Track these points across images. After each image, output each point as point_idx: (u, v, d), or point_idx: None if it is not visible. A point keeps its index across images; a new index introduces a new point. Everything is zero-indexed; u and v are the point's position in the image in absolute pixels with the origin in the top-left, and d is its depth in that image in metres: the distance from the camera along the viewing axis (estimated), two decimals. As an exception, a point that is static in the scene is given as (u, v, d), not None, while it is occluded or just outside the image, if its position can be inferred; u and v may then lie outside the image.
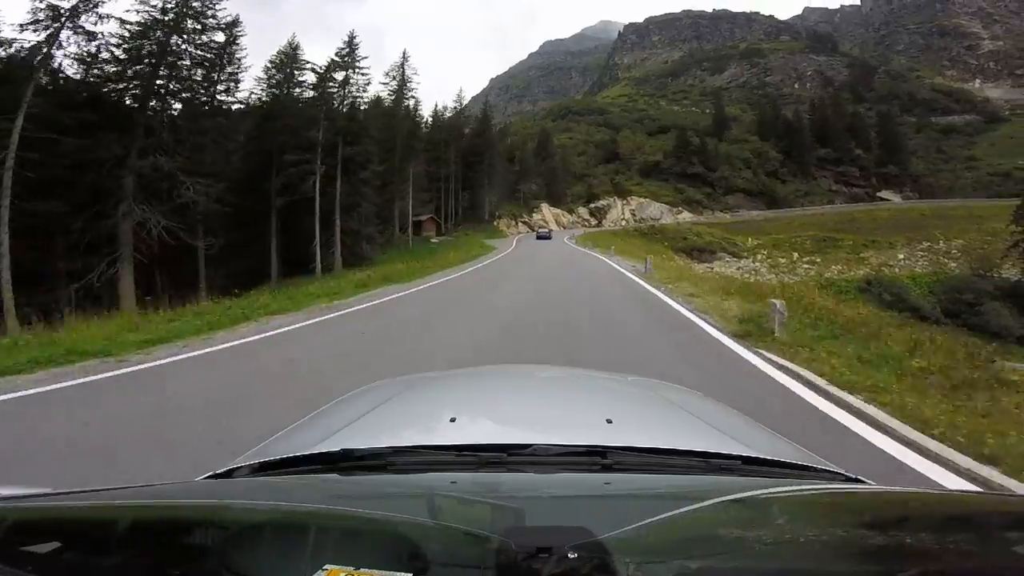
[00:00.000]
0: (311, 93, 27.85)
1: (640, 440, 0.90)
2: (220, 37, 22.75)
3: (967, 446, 2.94)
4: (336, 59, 27.90)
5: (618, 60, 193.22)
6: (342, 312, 8.98)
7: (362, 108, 31.00)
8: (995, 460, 2.80)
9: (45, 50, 17.28)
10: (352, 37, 28.29)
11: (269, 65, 27.71)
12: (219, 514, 0.68)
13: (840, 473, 0.91)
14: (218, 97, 24.10)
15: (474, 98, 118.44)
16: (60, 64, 18.88)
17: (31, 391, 4.21)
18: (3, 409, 3.84)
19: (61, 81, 19.48)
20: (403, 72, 37.67)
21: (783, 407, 3.81)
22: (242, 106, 26.41)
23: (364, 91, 29.98)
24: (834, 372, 4.43)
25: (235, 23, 23.38)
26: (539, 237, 43.71)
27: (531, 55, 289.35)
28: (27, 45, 17.25)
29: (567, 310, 8.86)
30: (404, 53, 38.54)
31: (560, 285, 13.45)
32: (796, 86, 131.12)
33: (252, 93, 27.67)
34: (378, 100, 37.58)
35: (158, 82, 20.61)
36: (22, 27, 17.06)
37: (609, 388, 1.53)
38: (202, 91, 23.24)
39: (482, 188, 51.29)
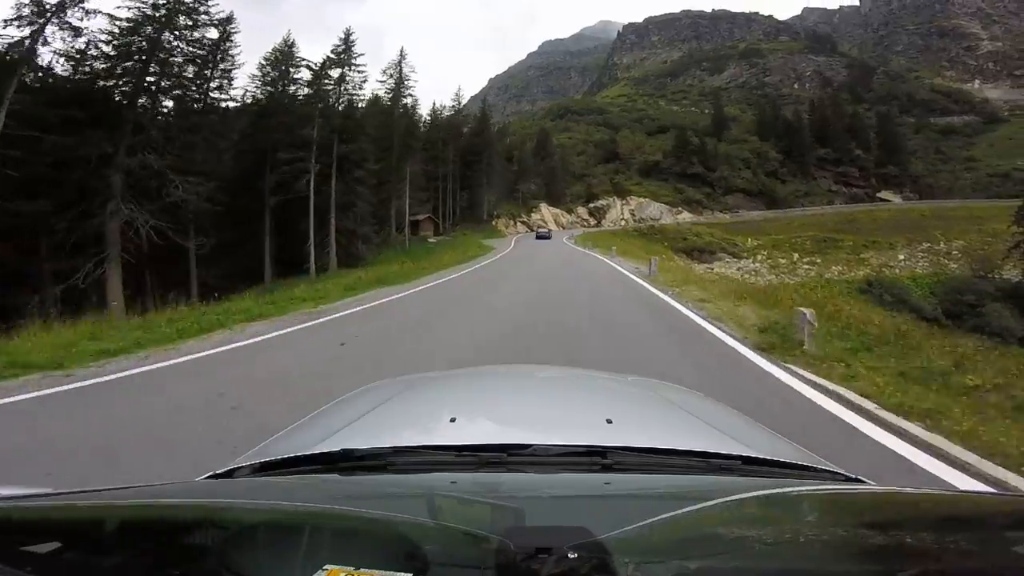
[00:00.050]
0: (306, 90, 27.44)
1: (640, 440, 0.89)
2: (213, 34, 22.36)
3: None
4: (332, 56, 27.43)
5: (617, 60, 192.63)
6: (323, 320, 8.37)
7: (359, 106, 30.59)
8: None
9: (28, 43, 16.74)
10: (348, 34, 27.86)
11: (264, 62, 27.29)
12: (219, 514, 0.68)
13: (840, 473, 0.91)
14: (211, 95, 23.71)
15: (473, 98, 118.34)
16: (49, 61, 18.46)
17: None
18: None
19: (50, 80, 19.00)
20: (400, 70, 37.24)
21: (842, 441, 3.21)
22: (236, 103, 25.99)
23: (361, 89, 29.66)
24: (880, 393, 3.92)
25: (229, 20, 23.00)
26: (538, 237, 43.39)
27: (530, 55, 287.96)
28: (10, 41, 16.75)
29: (570, 324, 7.56)
30: (401, 51, 38.33)
31: (560, 285, 13.04)
32: (795, 86, 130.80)
33: (247, 90, 27.30)
34: (376, 99, 37.28)
35: (148, 79, 20.16)
36: (6, 23, 16.57)
37: (609, 388, 1.52)
38: (194, 88, 22.80)
39: (480, 188, 50.78)
